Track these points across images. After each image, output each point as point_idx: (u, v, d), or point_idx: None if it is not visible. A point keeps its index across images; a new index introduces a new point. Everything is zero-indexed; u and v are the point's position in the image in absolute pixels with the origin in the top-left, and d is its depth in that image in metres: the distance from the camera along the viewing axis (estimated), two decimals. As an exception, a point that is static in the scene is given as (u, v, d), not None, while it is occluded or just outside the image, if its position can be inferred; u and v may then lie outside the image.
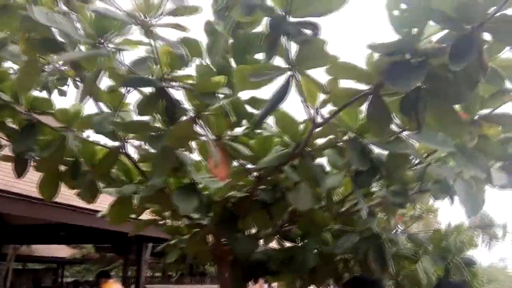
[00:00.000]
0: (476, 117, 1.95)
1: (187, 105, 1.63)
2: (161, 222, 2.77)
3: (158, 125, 1.75)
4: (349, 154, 1.70)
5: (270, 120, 1.89)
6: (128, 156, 2.19)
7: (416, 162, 2.20)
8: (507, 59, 1.63)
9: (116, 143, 2.11)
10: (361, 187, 1.85)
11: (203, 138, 1.71)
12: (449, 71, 1.34)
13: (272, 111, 1.50)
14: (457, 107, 1.74)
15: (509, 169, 2.53)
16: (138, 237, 10.22)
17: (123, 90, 1.88)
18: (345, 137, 1.77)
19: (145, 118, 1.77)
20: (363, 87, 1.51)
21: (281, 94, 1.41)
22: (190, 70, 1.57)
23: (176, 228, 2.84)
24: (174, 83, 1.50)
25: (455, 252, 2.86)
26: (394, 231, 2.57)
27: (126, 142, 2.13)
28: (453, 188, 2.47)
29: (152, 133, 1.74)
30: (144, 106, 1.57)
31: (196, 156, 2.17)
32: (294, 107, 1.88)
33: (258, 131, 1.94)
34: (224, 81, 1.52)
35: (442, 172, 1.94)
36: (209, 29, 1.73)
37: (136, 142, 2.18)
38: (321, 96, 1.60)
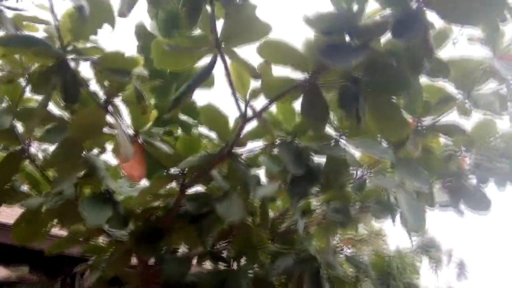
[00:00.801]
0: (420, 126, 1.84)
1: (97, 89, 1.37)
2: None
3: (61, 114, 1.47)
4: (282, 157, 1.50)
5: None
6: (33, 161, 1.86)
7: (358, 175, 2.06)
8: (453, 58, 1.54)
9: (17, 147, 1.77)
10: (298, 196, 1.65)
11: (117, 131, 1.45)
12: (392, 55, 1.20)
13: (190, 92, 1.28)
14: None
15: (451, 187, 2.46)
16: (73, 258, 9.30)
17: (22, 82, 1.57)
18: (278, 139, 1.58)
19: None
20: (299, 76, 1.34)
21: (204, 72, 1.20)
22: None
23: (97, 247, 2.49)
24: (77, 56, 1.24)
25: (396, 275, 2.72)
26: (333, 253, 2.39)
27: (30, 145, 1.79)
28: (394, 208, 2.36)
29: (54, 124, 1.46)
30: (39, 80, 1.28)
31: (114, 161, 1.89)
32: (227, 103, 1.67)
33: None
34: (142, 61, 1.29)
35: (383, 183, 1.78)
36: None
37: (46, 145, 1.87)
38: (254, 86, 1.41)
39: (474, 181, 2.45)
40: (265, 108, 1.37)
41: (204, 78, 1.21)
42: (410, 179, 1.79)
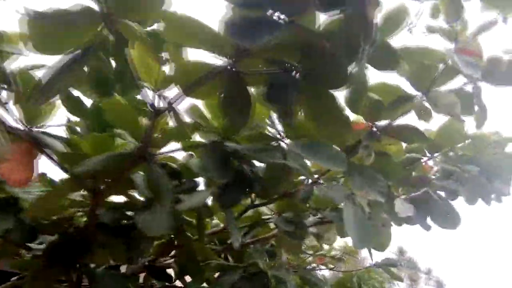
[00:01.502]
0: (374, 128, 1.61)
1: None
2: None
3: None
4: (204, 162, 1.26)
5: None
6: None
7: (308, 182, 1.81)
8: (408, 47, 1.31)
9: None
10: (225, 206, 1.41)
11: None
12: (330, 37, 0.97)
13: (58, 80, 1.01)
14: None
15: (416, 200, 2.24)
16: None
17: None
18: (206, 140, 1.33)
19: None
20: (219, 62, 1.10)
21: (85, 52, 0.95)
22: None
23: (24, 261, 2.19)
24: None
25: (358, 294, 2.48)
26: (285, 268, 2.14)
27: None
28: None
29: None
30: None
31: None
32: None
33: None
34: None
35: (330, 193, 1.55)
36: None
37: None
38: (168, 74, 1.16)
39: (441, 193, 2.25)
40: (177, 99, 1.12)
41: (83, 59, 0.95)
42: (364, 188, 1.57)
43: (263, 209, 2.29)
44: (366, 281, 2.81)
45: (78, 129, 1.49)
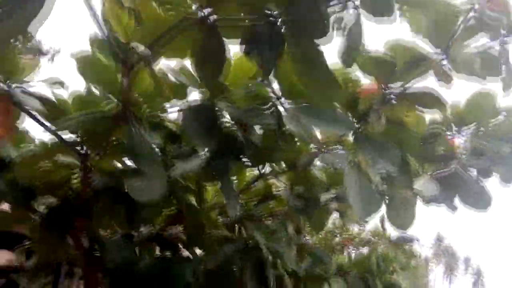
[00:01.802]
0: (387, 93, 1.44)
1: None
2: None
3: None
4: (186, 126, 1.15)
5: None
6: None
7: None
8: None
9: None
10: (214, 174, 1.31)
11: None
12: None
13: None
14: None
15: (445, 178, 2.05)
16: None
17: None
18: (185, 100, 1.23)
19: None
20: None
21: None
22: None
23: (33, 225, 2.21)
24: None
25: (377, 274, 2.33)
26: (288, 244, 2.00)
27: None
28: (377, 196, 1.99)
29: None
30: None
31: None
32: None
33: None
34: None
35: (331, 158, 1.40)
36: None
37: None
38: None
39: (473, 173, 2.04)
40: (152, 50, 1.01)
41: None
42: (375, 159, 1.42)
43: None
44: (389, 260, 2.65)
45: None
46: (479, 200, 1.96)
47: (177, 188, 1.66)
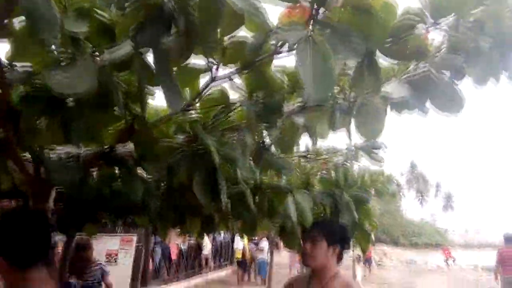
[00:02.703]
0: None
1: None
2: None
3: None
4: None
5: None
6: None
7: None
8: None
9: None
10: (142, 46, 1.08)
11: None
12: None
13: None
14: None
15: (416, 81, 1.90)
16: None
17: None
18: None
19: None
20: None
21: None
22: None
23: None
24: None
25: (344, 187, 2.23)
26: (243, 153, 1.82)
27: None
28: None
29: None
30: None
31: None
32: None
33: None
34: None
35: (284, 35, 1.19)
36: None
37: None
38: None
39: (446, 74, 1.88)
40: None
41: None
42: (334, 43, 1.22)
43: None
44: (361, 177, 2.56)
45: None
46: (452, 103, 1.83)
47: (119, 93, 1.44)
